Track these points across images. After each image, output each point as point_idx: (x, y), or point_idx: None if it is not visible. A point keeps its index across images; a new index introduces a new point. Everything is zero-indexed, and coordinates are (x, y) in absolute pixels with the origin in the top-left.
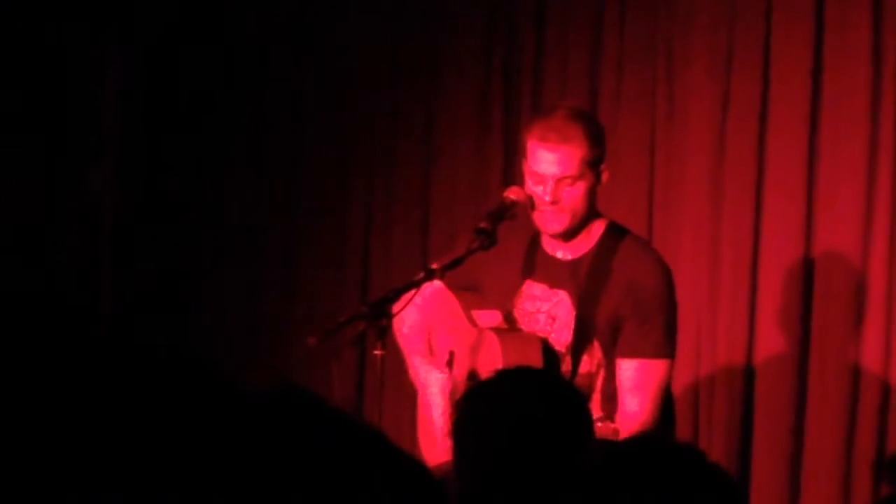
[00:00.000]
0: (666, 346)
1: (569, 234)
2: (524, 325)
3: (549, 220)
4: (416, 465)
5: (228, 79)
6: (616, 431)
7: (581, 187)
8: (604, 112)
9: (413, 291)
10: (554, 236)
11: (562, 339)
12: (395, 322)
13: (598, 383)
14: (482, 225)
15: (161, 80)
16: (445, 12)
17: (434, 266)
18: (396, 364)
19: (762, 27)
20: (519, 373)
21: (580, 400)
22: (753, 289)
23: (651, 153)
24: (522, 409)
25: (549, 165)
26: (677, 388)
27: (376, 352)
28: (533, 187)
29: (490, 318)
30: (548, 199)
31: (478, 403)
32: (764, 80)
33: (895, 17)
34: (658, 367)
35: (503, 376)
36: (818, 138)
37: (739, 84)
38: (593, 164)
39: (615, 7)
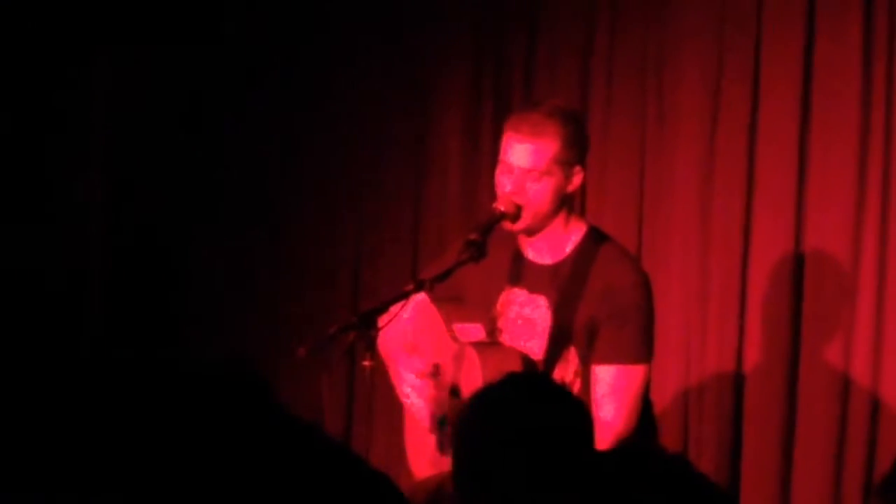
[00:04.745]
0: (642, 351)
1: (530, 232)
2: (507, 333)
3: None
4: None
5: (218, 88)
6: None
7: (547, 184)
8: (594, 120)
9: (402, 303)
10: (515, 232)
11: (538, 345)
12: (381, 336)
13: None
14: (472, 236)
15: (150, 88)
16: (434, 30)
17: (423, 277)
18: (386, 374)
19: (752, 35)
20: (522, 378)
21: (581, 403)
22: (742, 296)
23: (641, 160)
24: (528, 413)
25: (518, 157)
26: (666, 398)
27: (365, 363)
28: (499, 177)
29: (473, 331)
30: (508, 189)
31: (482, 411)
32: (754, 88)
33: (886, 27)
34: (634, 372)
35: (507, 382)
36: (808, 147)
37: (729, 92)
38: (564, 164)
39: (606, 17)
